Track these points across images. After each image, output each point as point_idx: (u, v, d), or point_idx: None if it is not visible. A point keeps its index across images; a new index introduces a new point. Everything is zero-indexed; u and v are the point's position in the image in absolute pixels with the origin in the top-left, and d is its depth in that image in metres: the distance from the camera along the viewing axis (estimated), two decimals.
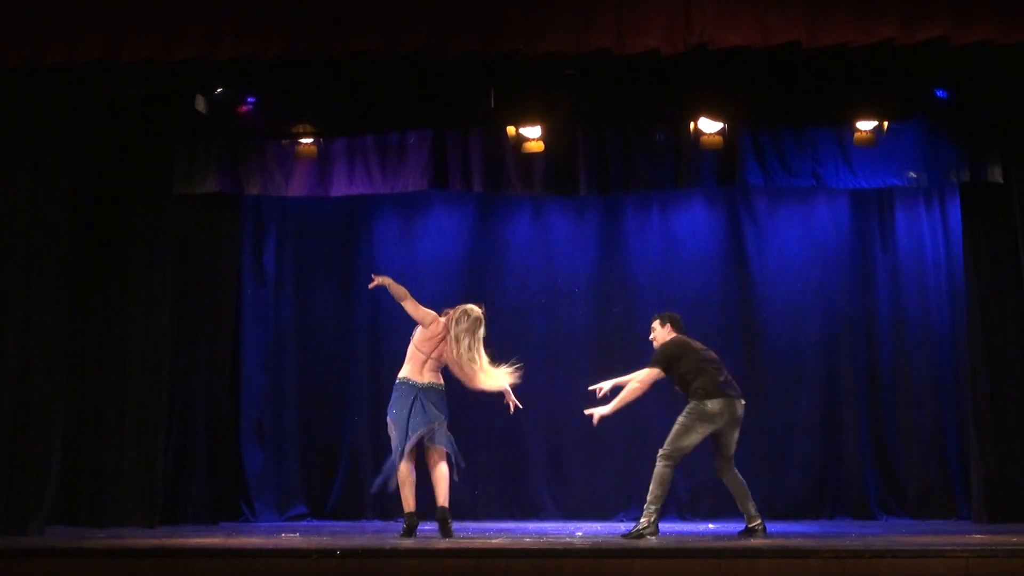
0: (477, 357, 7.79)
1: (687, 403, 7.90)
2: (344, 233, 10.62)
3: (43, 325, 8.36)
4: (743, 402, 7.96)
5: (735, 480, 7.93)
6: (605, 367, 10.17)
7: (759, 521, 7.77)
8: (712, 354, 8.07)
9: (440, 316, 7.90)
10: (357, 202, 10.29)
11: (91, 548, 6.92)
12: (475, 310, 7.83)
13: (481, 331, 7.82)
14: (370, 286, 8.14)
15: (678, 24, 7.28)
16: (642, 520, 7.68)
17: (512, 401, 8.00)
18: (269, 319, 10.38)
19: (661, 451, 7.83)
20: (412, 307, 7.91)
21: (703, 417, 7.81)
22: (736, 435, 7.96)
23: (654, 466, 10.12)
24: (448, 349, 7.79)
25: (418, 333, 7.90)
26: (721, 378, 7.92)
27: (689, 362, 7.97)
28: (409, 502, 7.75)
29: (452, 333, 7.78)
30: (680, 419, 7.82)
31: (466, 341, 7.76)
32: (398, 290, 7.97)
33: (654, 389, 10.28)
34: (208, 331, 9.74)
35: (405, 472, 7.77)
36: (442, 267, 10.49)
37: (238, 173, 9.53)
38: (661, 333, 8.22)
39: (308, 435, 10.36)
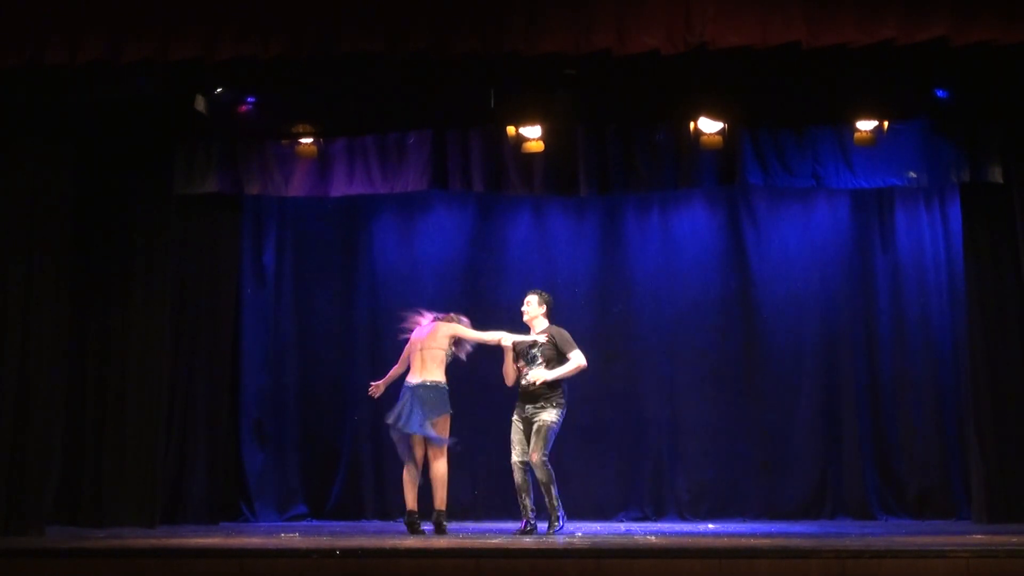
0: None
1: (546, 403, 8.02)
2: (344, 233, 10.62)
3: (43, 325, 8.35)
4: None
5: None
6: (605, 366, 10.19)
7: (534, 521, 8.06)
8: None
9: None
10: (357, 202, 10.29)
11: (91, 548, 6.91)
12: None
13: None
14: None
15: (678, 24, 7.28)
16: (556, 521, 7.97)
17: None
18: (269, 319, 10.38)
19: (540, 457, 7.96)
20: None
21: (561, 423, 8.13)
22: None
23: (652, 466, 10.21)
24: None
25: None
26: None
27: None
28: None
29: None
30: (552, 422, 8.01)
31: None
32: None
33: (651, 392, 10.33)
34: (208, 331, 9.74)
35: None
36: (442, 267, 10.50)
37: (238, 173, 9.53)
38: (538, 311, 8.34)
39: (308, 435, 10.36)
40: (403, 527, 8.20)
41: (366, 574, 6.21)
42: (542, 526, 8.09)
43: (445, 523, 8.14)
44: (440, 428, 8.11)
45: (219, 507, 9.61)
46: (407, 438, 8.15)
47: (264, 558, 6.43)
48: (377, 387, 8.55)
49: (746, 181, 9.44)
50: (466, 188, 9.59)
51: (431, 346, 8.25)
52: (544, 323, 8.31)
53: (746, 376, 10.29)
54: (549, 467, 7.99)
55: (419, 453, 8.17)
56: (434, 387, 8.12)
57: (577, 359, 8.09)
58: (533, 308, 8.32)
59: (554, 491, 8.02)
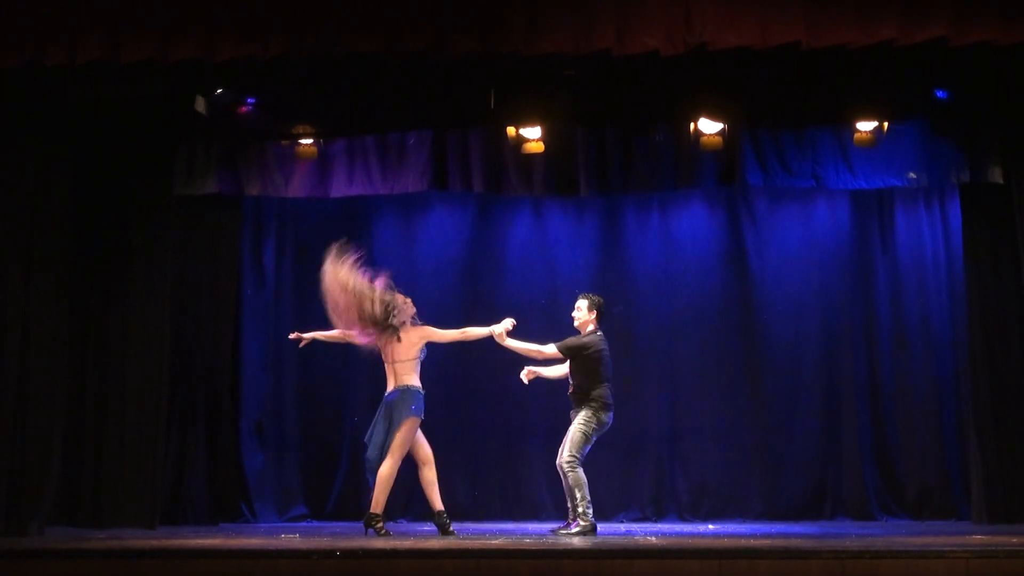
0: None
1: (579, 407, 7.98)
2: (344, 234, 10.57)
3: (43, 325, 8.36)
4: None
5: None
6: None
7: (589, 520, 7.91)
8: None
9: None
10: (357, 202, 10.28)
11: (91, 548, 6.91)
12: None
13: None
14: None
15: (678, 24, 7.29)
16: (583, 523, 7.84)
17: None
18: (269, 319, 10.37)
19: (566, 459, 7.90)
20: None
21: (599, 428, 7.97)
22: None
23: (652, 467, 10.21)
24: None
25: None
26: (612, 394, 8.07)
27: (602, 369, 8.01)
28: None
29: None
30: (581, 425, 7.93)
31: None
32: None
33: (651, 393, 10.32)
34: (208, 331, 9.75)
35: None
36: (442, 267, 10.49)
37: (238, 174, 9.53)
38: (588, 316, 8.19)
39: (308, 435, 10.35)
40: (403, 527, 8.19)
41: (366, 575, 6.21)
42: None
43: (379, 526, 7.72)
44: (404, 431, 7.74)
45: (219, 508, 9.61)
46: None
47: (264, 559, 6.42)
48: (301, 337, 8.24)
49: (746, 181, 9.44)
50: (466, 188, 9.60)
51: (401, 359, 7.88)
52: (590, 329, 8.17)
53: (746, 376, 10.29)
54: (578, 471, 7.88)
55: (421, 453, 7.88)
56: (405, 390, 7.81)
57: (546, 346, 8.06)
58: (583, 313, 8.20)
59: (579, 495, 7.86)
